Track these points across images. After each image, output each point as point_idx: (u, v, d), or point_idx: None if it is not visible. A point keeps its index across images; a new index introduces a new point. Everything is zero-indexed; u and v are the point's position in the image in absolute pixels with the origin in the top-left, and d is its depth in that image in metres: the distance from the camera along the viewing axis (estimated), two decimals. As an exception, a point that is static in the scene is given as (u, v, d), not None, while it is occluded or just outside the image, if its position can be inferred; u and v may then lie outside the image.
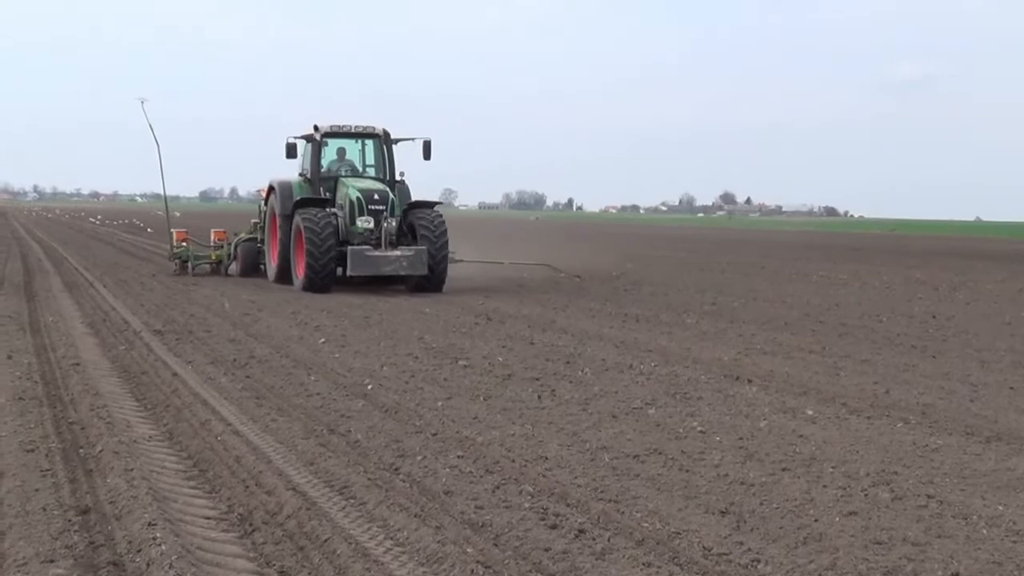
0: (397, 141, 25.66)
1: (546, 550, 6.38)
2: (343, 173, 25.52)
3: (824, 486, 7.92)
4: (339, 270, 23.71)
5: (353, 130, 25.64)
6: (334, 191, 24.92)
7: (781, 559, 6.32)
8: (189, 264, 28.04)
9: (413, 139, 25.60)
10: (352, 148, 26.29)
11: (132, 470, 7.91)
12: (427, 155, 25.12)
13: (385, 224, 23.43)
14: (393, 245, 23.52)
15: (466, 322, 17.95)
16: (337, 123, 25.34)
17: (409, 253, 23.23)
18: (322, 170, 25.37)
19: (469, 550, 6.31)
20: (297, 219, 23.53)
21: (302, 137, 25.52)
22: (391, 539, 6.58)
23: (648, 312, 20.25)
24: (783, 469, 8.40)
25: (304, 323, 17.48)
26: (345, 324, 17.47)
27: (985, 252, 56.56)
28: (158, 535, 6.38)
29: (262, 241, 27.29)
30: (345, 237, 23.81)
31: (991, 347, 15.78)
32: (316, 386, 11.78)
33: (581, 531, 6.72)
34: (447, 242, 24.00)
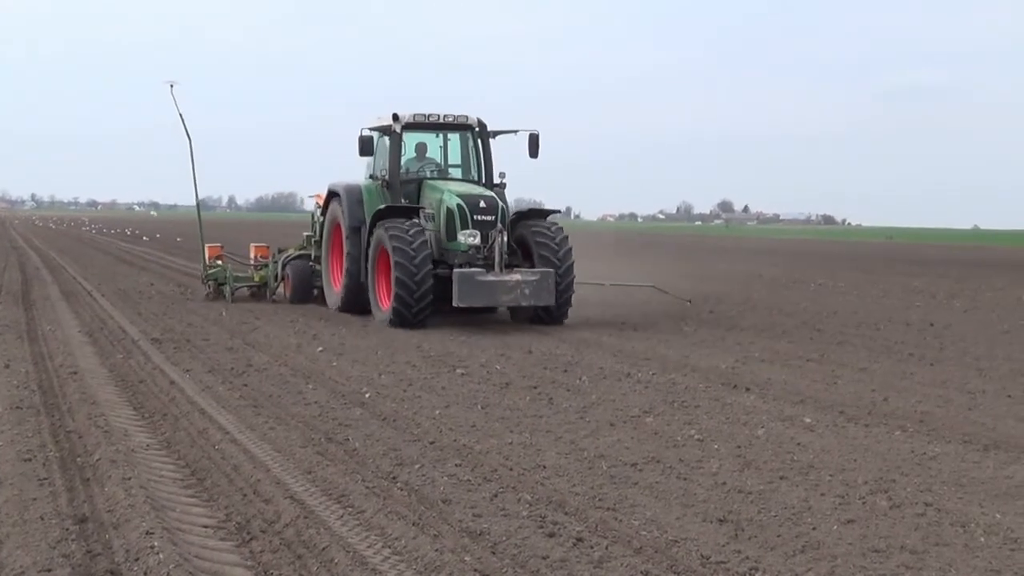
0: (495, 134, 20.66)
1: (544, 558, 6.38)
2: (429, 175, 20.58)
3: (822, 494, 7.92)
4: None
5: (443, 120, 20.32)
6: (416, 198, 20.10)
7: (779, 567, 6.32)
8: (227, 288, 22.87)
9: (515, 131, 20.53)
10: (433, 144, 21.20)
11: (130, 479, 7.91)
12: (534, 152, 20.17)
13: (498, 239, 18.37)
14: (508, 266, 18.60)
15: (463, 330, 17.95)
16: (421, 111, 20.19)
17: (532, 277, 18.16)
18: (401, 171, 20.27)
19: (467, 558, 6.31)
20: (380, 233, 18.69)
21: (375, 129, 20.59)
22: (389, 547, 6.58)
23: (644, 320, 20.24)
24: (781, 477, 8.40)
25: (302, 331, 17.48)
26: (343, 332, 17.47)
27: (983, 260, 56.63)
28: (156, 544, 6.37)
29: (317, 259, 22.22)
30: (438, 256, 19.05)
31: (989, 355, 15.79)
32: (314, 394, 11.77)
33: (579, 539, 6.72)
34: (573, 263, 19.19)
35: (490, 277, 18.01)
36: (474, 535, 6.82)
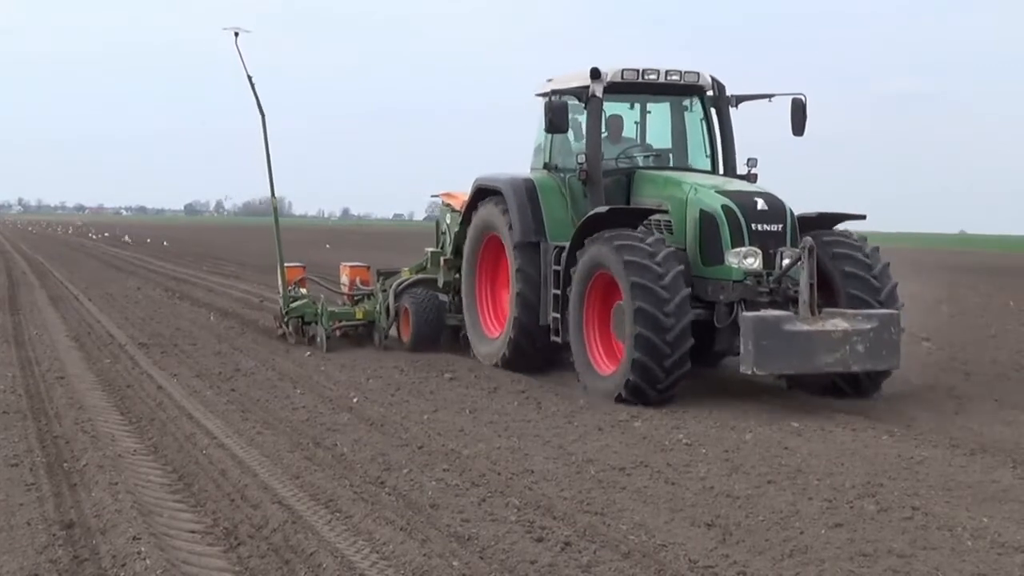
0: (739, 100, 14.01)
1: (532, 563, 6.38)
2: (645, 161, 14.08)
3: (810, 498, 7.93)
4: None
5: (666, 79, 13.58)
6: (623, 198, 13.51)
7: (767, 571, 6.33)
8: (319, 329, 16.04)
9: (769, 96, 13.91)
10: (629, 117, 14.46)
11: (117, 484, 7.89)
12: (800, 126, 13.59)
13: (804, 263, 11.36)
14: (817, 306, 11.43)
15: (452, 334, 17.89)
16: (631, 66, 13.50)
17: (865, 325, 11.36)
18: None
19: (455, 563, 6.31)
20: (600, 252, 12.09)
21: (551, 94, 13.86)
22: (377, 552, 6.57)
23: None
24: (769, 481, 8.41)
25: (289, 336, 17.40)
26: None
27: (970, 265, 56.82)
28: (143, 549, 6.36)
29: (448, 287, 16.08)
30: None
31: (976, 359, 15.83)
32: (302, 399, 11.75)
33: (567, 544, 6.72)
34: (900, 302, 12.39)
35: (803, 326, 11.17)
36: (462, 540, 6.81)
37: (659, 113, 14.33)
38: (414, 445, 9.53)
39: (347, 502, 7.61)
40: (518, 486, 8.17)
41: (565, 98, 13.57)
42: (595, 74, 13.27)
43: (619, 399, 11.57)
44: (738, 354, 11.26)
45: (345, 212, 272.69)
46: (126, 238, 72.65)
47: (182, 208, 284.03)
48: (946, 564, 6.48)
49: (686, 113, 14.10)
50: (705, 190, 12.48)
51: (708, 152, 13.99)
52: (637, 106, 14.34)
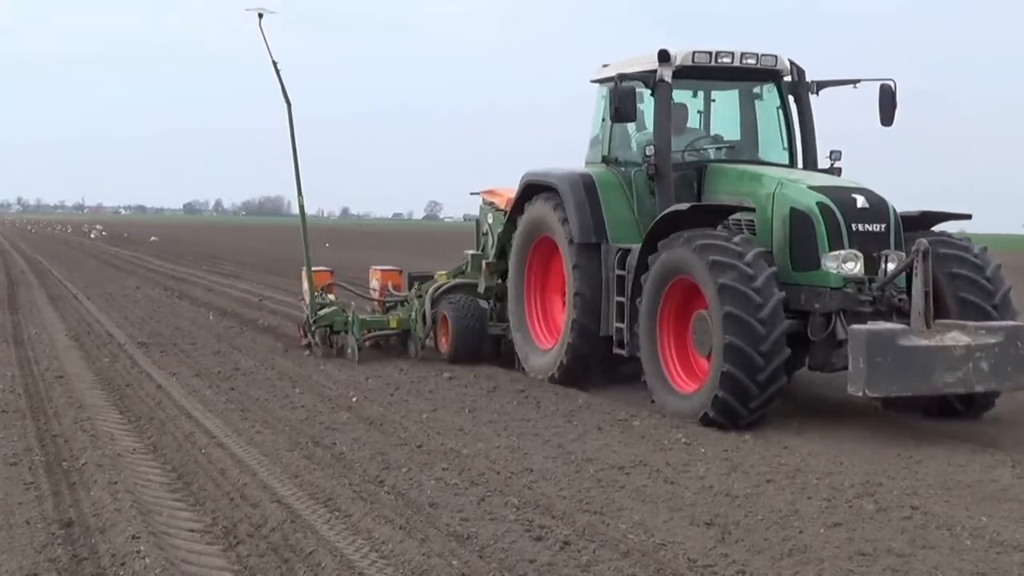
0: (821, 86, 12.81)
1: (531, 562, 6.38)
2: (716, 154, 12.76)
3: (809, 497, 7.93)
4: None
5: (741, 62, 12.30)
6: (694, 194, 12.25)
7: (766, 570, 6.33)
8: (351, 338, 14.71)
9: (854, 83, 12.65)
10: (692, 105, 13.17)
11: (116, 483, 7.89)
12: (888, 115, 12.35)
13: (918, 268, 10.22)
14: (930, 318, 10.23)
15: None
16: (702, 47, 12.24)
17: (990, 339, 10.12)
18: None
19: (454, 562, 6.31)
20: (680, 256, 10.84)
21: (615, 79, 12.11)
22: (376, 551, 6.57)
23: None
24: (768, 481, 8.41)
25: (289, 335, 17.40)
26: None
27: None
28: (142, 548, 6.36)
29: (489, 293, 14.82)
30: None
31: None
32: (301, 399, 11.75)
33: (566, 543, 6.72)
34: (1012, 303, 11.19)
35: (921, 341, 9.94)
36: (461, 539, 6.81)
37: (725, 101, 13.00)
38: (413, 444, 9.53)
39: (346, 501, 7.61)
40: (517, 485, 8.17)
41: (610, 84, 12.30)
42: (664, 57, 12.02)
43: (705, 420, 10.32)
44: (833, 371, 10.62)
45: (344, 211, 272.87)
46: (125, 235, 72.70)
47: (181, 207, 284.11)
48: (945, 563, 6.48)
49: (757, 101, 12.85)
50: (795, 185, 11.19)
51: (786, 144, 12.68)
52: (700, 94, 13.01)
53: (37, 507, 7.47)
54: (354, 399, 11.71)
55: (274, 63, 14.99)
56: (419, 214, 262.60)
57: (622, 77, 12.01)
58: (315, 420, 10.59)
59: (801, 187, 11.12)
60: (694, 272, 10.58)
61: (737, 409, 10.19)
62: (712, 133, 13.01)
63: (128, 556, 6.28)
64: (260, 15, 14.93)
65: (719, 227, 11.31)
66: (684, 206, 11.23)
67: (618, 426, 10.48)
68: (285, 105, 15.11)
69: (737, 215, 11.48)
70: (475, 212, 15.99)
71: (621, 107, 11.79)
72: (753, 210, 11.33)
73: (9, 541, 6.72)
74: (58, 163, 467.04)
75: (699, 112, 13.05)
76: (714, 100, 13.00)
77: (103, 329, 17.90)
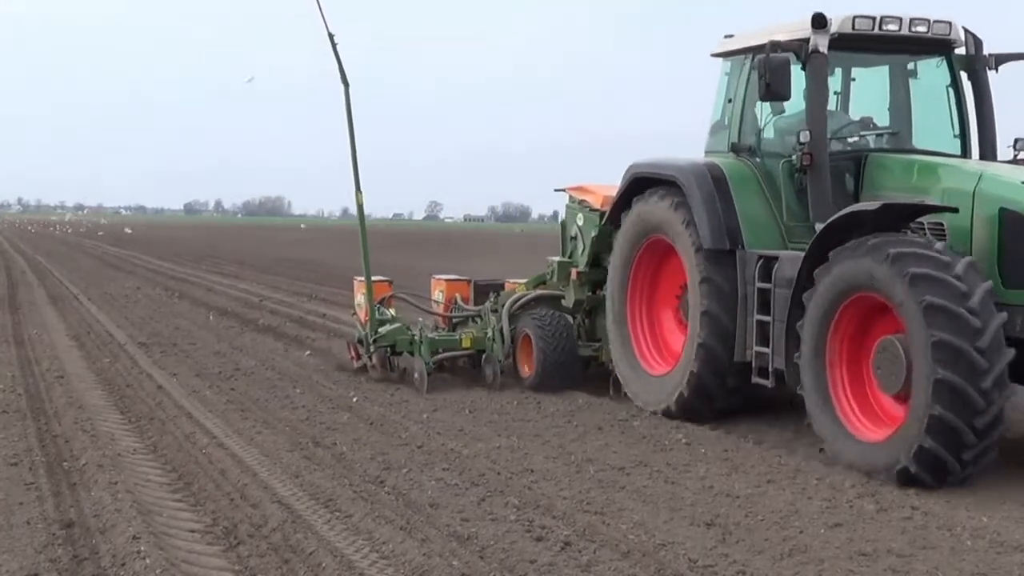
0: (1002, 60, 10.72)
1: (532, 562, 6.38)
2: (877, 142, 10.65)
3: (809, 498, 7.93)
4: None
5: (909, 29, 10.15)
6: (852, 191, 10.15)
7: (767, 571, 6.33)
8: (419, 362, 12.41)
9: None
10: (836, 85, 10.93)
11: (116, 483, 7.89)
12: None
13: None
14: None
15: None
16: (864, 13, 10.15)
17: None
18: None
19: (455, 563, 6.31)
20: (858, 268, 8.68)
21: (761, 50, 9.96)
22: (376, 552, 6.57)
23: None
24: (768, 481, 8.41)
25: (288, 335, 17.42)
26: (329, 336, 17.41)
27: None
28: (142, 548, 6.36)
29: (579, 307, 12.83)
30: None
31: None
32: (301, 399, 11.75)
33: (567, 543, 6.72)
34: None
35: None
36: (462, 539, 6.81)
37: (870, 79, 11.00)
38: (413, 444, 9.53)
39: (346, 501, 7.61)
40: (518, 485, 8.17)
41: (738, 58, 10.59)
42: (819, 22, 9.88)
43: (904, 477, 8.17)
44: None
45: (345, 211, 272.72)
46: (127, 230, 72.79)
47: (181, 208, 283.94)
48: (945, 563, 6.48)
49: (911, 80, 10.77)
50: (1002, 180, 8.99)
51: (957, 130, 10.56)
52: (838, 70, 10.84)
53: (38, 507, 7.47)
54: (354, 399, 11.71)
55: (330, 36, 12.91)
56: (419, 214, 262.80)
57: (775, 46, 9.82)
58: (315, 420, 10.59)
59: (1013, 182, 8.89)
60: (885, 288, 8.40)
61: (948, 462, 8.09)
62: (855, 113, 10.98)
63: (128, 556, 6.29)
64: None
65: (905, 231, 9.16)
66: (872, 205, 9.02)
67: (619, 426, 10.48)
68: (343, 86, 13.02)
69: (920, 219, 9.30)
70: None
71: (773, 82, 9.63)
72: (956, 210, 8.96)
73: (10, 541, 6.72)
74: (58, 164, 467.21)
75: (835, 93, 10.81)
76: (854, 79, 11.01)
77: (103, 329, 17.90)
